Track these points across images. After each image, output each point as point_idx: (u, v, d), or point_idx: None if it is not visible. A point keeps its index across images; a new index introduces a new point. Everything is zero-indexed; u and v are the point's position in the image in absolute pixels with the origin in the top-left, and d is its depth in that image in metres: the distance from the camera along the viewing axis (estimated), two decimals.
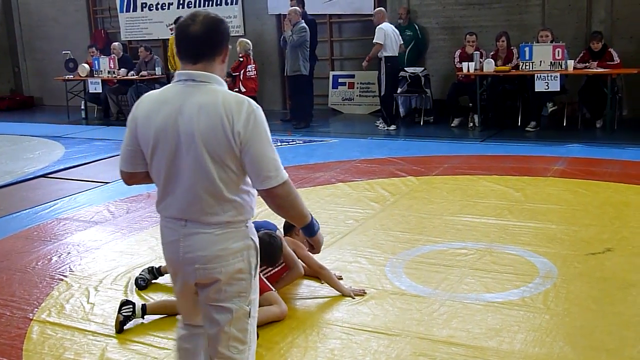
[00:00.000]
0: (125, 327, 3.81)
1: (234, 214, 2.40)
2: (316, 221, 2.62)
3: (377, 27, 9.84)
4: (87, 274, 4.72)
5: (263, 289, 3.81)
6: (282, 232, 4.35)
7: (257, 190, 2.39)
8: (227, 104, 2.32)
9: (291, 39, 10.34)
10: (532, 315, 3.74)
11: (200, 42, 2.38)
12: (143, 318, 3.89)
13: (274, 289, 3.94)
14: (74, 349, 3.65)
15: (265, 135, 2.34)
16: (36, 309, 4.17)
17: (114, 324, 3.84)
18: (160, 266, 4.47)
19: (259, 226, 3.93)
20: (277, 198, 2.37)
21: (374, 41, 9.88)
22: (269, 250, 3.83)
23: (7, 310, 4.16)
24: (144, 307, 3.91)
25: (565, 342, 3.45)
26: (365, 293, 4.13)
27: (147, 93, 2.52)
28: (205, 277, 2.43)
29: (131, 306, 3.86)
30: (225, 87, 2.43)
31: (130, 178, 2.59)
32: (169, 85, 2.48)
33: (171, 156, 2.38)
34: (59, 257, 5.12)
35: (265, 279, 3.94)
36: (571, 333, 3.56)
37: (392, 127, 10.18)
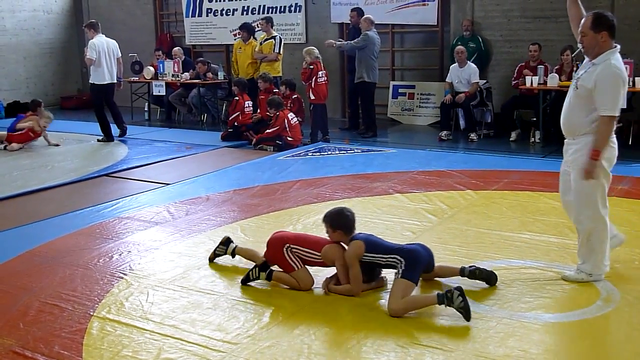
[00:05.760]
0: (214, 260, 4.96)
1: None
2: None
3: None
4: (147, 274, 4.82)
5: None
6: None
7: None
8: None
9: (349, 44, 10.64)
10: (592, 339, 3.66)
11: None
12: (233, 257, 4.93)
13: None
14: (132, 346, 3.74)
15: None
16: (97, 305, 4.28)
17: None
18: (236, 247, 5.01)
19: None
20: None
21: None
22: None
23: (69, 305, 4.29)
24: (235, 247, 4.97)
25: None
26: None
27: None
28: None
29: (225, 247, 4.97)
30: None
31: None
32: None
33: None
34: (120, 255, 5.25)
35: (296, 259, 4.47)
36: (632, 359, 3.46)
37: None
